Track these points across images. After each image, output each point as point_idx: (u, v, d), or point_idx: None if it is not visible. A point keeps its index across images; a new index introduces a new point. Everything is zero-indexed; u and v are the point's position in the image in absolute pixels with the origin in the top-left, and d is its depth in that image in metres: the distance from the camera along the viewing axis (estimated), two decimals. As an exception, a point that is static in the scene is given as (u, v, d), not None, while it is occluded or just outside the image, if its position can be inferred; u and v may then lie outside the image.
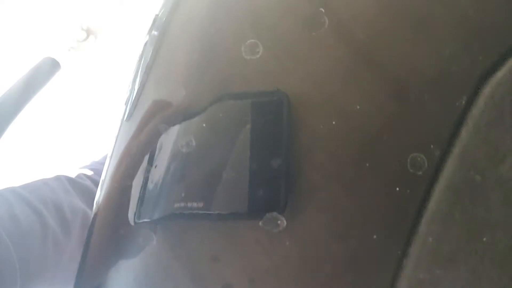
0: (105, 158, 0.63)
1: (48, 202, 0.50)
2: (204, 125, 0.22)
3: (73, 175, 0.58)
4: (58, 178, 0.55)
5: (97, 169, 0.61)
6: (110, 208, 0.27)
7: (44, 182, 0.53)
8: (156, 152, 0.24)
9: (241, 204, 0.20)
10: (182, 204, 0.22)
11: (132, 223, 0.25)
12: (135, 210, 0.24)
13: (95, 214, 0.27)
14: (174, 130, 0.24)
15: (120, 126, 0.28)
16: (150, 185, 0.24)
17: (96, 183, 0.58)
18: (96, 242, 0.27)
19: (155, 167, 0.24)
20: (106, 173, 0.27)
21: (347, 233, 0.19)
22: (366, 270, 0.19)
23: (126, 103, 0.28)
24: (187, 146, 0.23)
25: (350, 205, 0.19)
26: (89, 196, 0.56)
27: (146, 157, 0.24)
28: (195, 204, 0.21)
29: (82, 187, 0.57)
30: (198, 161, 0.22)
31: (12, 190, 0.49)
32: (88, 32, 1.11)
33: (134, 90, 0.27)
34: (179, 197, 0.22)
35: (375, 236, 0.19)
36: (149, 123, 0.25)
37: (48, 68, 0.62)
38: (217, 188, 0.21)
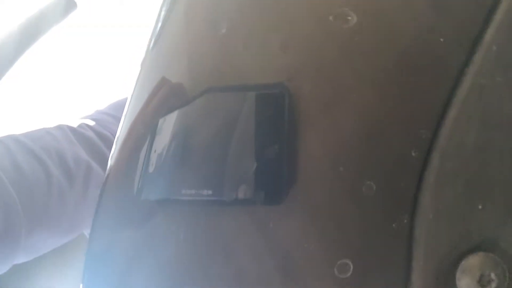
0: (109, 107, 0.61)
1: (51, 151, 0.48)
2: (208, 114, 0.23)
3: (75, 125, 0.55)
4: (60, 128, 0.53)
5: (99, 119, 0.58)
6: (119, 175, 0.27)
7: (47, 131, 0.51)
8: (161, 135, 0.25)
9: (246, 192, 0.21)
10: (192, 191, 0.22)
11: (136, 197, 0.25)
12: (138, 186, 0.25)
13: (107, 176, 0.27)
14: (177, 115, 0.24)
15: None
16: (153, 167, 0.24)
17: (98, 134, 0.56)
18: (105, 206, 0.27)
19: (156, 151, 0.24)
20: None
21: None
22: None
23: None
24: (193, 131, 0.23)
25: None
26: (91, 147, 0.53)
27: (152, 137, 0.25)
28: (204, 192, 0.22)
29: (84, 137, 0.54)
30: (204, 148, 0.23)
31: (14, 138, 0.47)
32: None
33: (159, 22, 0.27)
34: (187, 183, 0.23)
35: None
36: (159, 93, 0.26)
37: (63, 7, 0.57)
38: (224, 176, 0.22)
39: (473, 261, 0.19)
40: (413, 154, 0.19)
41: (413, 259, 0.19)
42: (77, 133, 0.54)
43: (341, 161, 0.20)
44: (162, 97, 0.26)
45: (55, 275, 0.57)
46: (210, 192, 0.22)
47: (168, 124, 0.25)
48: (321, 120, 0.21)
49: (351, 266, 0.19)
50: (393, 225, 0.19)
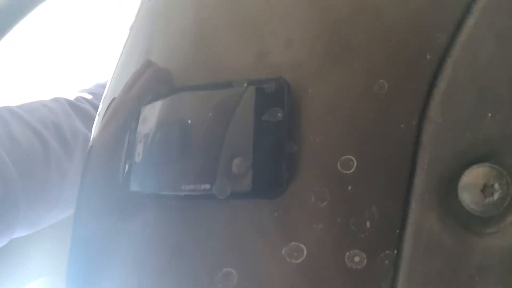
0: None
1: (48, 123, 0.47)
2: (206, 107, 0.23)
3: (71, 97, 0.55)
4: (57, 100, 0.52)
5: (97, 92, 0.57)
6: (102, 160, 0.26)
7: (43, 104, 0.50)
8: (154, 126, 0.24)
9: (245, 187, 0.21)
10: (191, 186, 0.22)
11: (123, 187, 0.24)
12: (127, 177, 0.24)
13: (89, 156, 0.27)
14: (170, 106, 0.24)
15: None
16: (144, 158, 0.24)
17: (95, 107, 0.55)
18: (88, 191, 0.26)
19: (146, 140, 0.24)
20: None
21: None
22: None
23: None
24: (188, 126, 0.23)
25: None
26: (88, 120, 0.53)
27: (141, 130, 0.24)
28: (202, 186, 0.22)
29: (81, 110, 0.54)
30: (201, 142, 0.22)
31: (9, 109, 0.46)
32: None
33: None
34: (185, 178, 0.22)
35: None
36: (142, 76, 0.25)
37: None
38: (222, 170, 0.21)
39: (478, 171, 0.19)
40: (428, 57, 0.19)
41: (417, 164, 0.19)
42: (74, 106, 0.54)
43: (356, 57, 0.20)
44: (147, 82, 0.25)
45: (53, 250, 0.56)
46: (207, 186, 0.22)
47: (159, 112, 0.24)
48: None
49: (355, 162, 0.19)
50: (401, 125, 0.19)
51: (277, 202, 0.20)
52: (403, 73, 0.19)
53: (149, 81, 0.25)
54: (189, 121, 0.23)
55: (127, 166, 0.24)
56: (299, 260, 0.19)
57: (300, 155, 0.20)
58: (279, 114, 0.21)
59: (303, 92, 0.20)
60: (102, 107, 0.29)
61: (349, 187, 0.19)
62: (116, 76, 0.29)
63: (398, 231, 0.19)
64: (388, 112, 0.19)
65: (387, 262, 0.19)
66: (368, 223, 0.19)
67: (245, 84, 0.22)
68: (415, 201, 0.19)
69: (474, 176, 0.19)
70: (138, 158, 0.24)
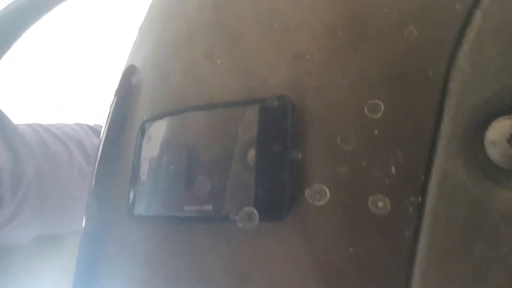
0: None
1: (72, 137, 0.56)
2: (208, 126, 0.23)
3: (91, 124, 0.64)
4: (78, 124, 0.61)
5: None
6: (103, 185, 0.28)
7: (66, 125, 0.59)
8: (159, 147, 0.24)
9: (247, 207, 0.21)
10: (193, 207, 0.22)
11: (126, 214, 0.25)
12: (130, 202, 0.24)
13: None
14: (174, 125, 0.24)
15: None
16: (145, 178, 0.24)
17: None
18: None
19: (151, 161, 0.24)
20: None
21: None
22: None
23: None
24: (191, 146, 0.23)
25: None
26: None
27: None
28: (204, 207, 0.22)
29: (100, 132, 0.61)
30: (204, 162, 0.22)
31: (40, 125, 0.55)
32: None
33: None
34: (187, 198, 0.22)
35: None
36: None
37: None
38: (224, 191, 0.21)
39: (505, 122, 0.19)
40: (457, 6, 0.20)
41: (444, 111, 0.19)
42: (93, 129, 0.63)
43: (388, 3, 0.20)
44: None
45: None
46: (210, 207, 0.22)
47: (161, 133, 0.24)
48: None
49: (382, 107, 0.19)
50: (429, 72, 0.19)
51: (301, 145, 0.20)
52: (433, 21, 0.20)
53: None
54: (192, 141, 0.23)
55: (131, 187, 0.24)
56: (322, 202, 0.19)
57: (327, 98, 0.20)
58: (284, 135, 0.20)
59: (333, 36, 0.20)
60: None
61: (376, 131, 0.19)
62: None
63: (423, 178, 0.19)
64: (416, 59, 0.19)
65: (411, 209, 0.19)
66: (393, 168, 0.19)
67: (249, 103, 0.22)
68: (441, 148, 0.19)
69: (500, 127, 0.19)
70: (143, 178, 0.24)
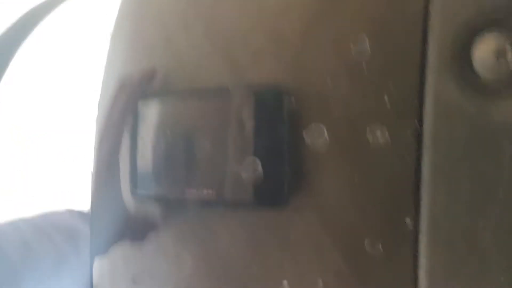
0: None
1: (60, 227, 0.53)
2: (207, 114, 0.23)
3: (85, 209, 0.60)
4: (70, 211, 0.58)
5: None
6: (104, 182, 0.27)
7: (56, 212, 0.56)
8: (157, 130, 0.24)
9: (247, 194, 0.21)
10: (194, 191, 0.22)
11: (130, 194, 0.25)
12: (132, 182, 0.25)
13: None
14: (170, 110, 0.24)
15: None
16: (147, 164, 0.24)
17: None
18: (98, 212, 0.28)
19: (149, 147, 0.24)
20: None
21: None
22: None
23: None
24: (188, 131, 0.23)
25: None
26: None
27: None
28: (206, 191, 0.22)
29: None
30: (204, 146, 0.23)
31: (23, 219, 0.52)
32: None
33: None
34: (189, 182, 0.23)
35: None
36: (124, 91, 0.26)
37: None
38: (225, 175, 0.21)
39: (489, 35, 0.19)
40: None
41: (429, 34, 0.19)
42: (85, 215, 0.59)
43: None
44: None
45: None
46: (211, 192, 0.22)
47: (160, 118, 0.25)
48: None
49: (367, 41, 0.20)
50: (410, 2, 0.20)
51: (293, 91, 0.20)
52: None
53: (127, 101, 0.26)
54: (188, 127, 0.23)
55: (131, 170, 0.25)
56: (320, 140, 0.19)
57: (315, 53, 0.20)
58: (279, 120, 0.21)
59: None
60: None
61: (364, 65, 0.19)
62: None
63: (417, 103, 0.19)
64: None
65: (409, 134, 0.19)
66: (385, 97, 0.19)
67: (246, 90, 0.22)
68: (430, 71, 0.19)
69: (485, 42, 0.19)
70: (142, 160, 0.24)
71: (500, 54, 0.19)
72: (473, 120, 0.19)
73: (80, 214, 0.57)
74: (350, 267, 0.20)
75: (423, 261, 0.19)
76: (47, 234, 0.50)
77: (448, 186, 0.19)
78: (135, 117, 0.25)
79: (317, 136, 0.19)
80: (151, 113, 0.25)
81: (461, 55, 0.19)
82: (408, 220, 0.19)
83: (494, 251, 0.18)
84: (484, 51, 0.19)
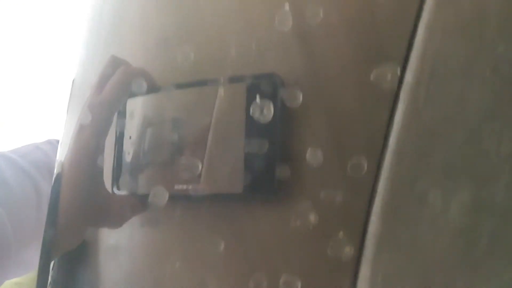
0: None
1: (41, 166, 0.48)
2: (195, 103, 0.22)
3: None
4: (50, 142, 0.53)
5: None
6: (80, 169, 0.25)
7: (36, 146, 0.51)
8: (138, 122, 0.23)
9: (236, 186, 0.20)
10: (182, 186, 0.21)
11: (110, 191, 0.24)
12: (115, 179, 0.24)
13: (59, 175, 0.25)
14: (160, 102, 0.23)
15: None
16: (131, 157, 0.23)
17: None
18: (68, 204, 0.25)
19: (138, 138, 0.23)
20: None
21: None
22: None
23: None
24: (177, 122, 0.22)
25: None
26: None
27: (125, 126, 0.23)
28: (195, 185, 0.21)
29: None
30: (192, 141, 0.22)
31: (1, 155, 0.47)
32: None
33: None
34: (176, 177, 0.22)
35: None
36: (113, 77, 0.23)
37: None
38: (214, 169, 0.21)
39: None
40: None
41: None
42: None
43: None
44: (122, 81, 0.24)
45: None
46: (202, 186, 0.21)
47: (146, 111, 0.23)
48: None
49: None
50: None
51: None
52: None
53: (123, 81, 0.24)
54: (178, 119, 0.23)
55: (115, 167, 0.24)
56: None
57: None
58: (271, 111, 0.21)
59: None
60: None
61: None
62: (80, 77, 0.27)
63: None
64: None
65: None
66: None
67: (237, 80, 0.21)
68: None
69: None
70: (128, 157, 0.24)
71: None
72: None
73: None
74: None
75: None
76: (27, 173, 0.47)
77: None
78: (121, 112, 0.24)
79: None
80: (137, 109, 0.24)
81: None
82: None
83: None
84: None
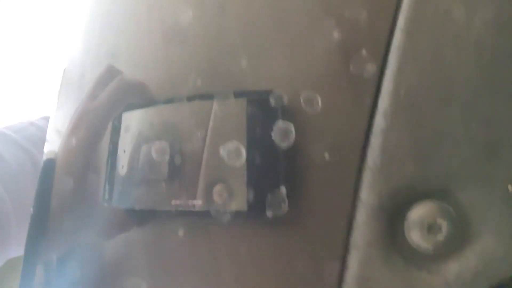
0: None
1: (36, 141, 0.48)
2: (195, 119, 0.22)
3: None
4: (45, 118, 0.53)
5: None
6: (71, 173, 0.26)
7: (31, 123, 0.52)
8: (140, 138, 0.23)
9: (240, 203, 0.20)
10: (180, 202, 0.21)
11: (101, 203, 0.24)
12: (106, 191, 0.24)
13: (48, 175, 0.27)
14: (155, 117, 0.23)
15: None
16: (124, 172, 0.23)
17: None
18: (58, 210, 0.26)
19: (130, 153, 0.23)
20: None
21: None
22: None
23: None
24: (172, 138, 0.22)
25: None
26: None
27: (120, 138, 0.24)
28: (193, 202, 0.21)
29: None
30: (190, 156, 0.21)
31: None
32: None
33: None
34: (174, 193, 0.22)
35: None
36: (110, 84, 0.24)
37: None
38: (213, 185, 0.21)
39: (420, 206, 0.18)
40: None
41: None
42: None
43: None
44: (118, 91, 0.24)
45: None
46: (199, 202, 0.21)
47: (143, 123, 0.23)
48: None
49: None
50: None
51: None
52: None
53: (120, 90, 0.24)
54: (176, 133, 0.22)
55: (108, 180, 0.23)
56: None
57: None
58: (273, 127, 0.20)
59: None
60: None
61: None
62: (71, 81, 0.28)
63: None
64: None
65: None
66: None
67: (239, 96, 0.21)
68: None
69: (416, 213, 0.18)
70: (122, 171, 0.23)
71: (433, 228, 0.18)
72: None
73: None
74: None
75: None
76: (23, 148, 0.47)
77: None
78: (115, 125, 0.23)
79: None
80: (132, 124, 0.23)
81: (393, 223, 0.18)
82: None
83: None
84: (414, 222, 0.18)
